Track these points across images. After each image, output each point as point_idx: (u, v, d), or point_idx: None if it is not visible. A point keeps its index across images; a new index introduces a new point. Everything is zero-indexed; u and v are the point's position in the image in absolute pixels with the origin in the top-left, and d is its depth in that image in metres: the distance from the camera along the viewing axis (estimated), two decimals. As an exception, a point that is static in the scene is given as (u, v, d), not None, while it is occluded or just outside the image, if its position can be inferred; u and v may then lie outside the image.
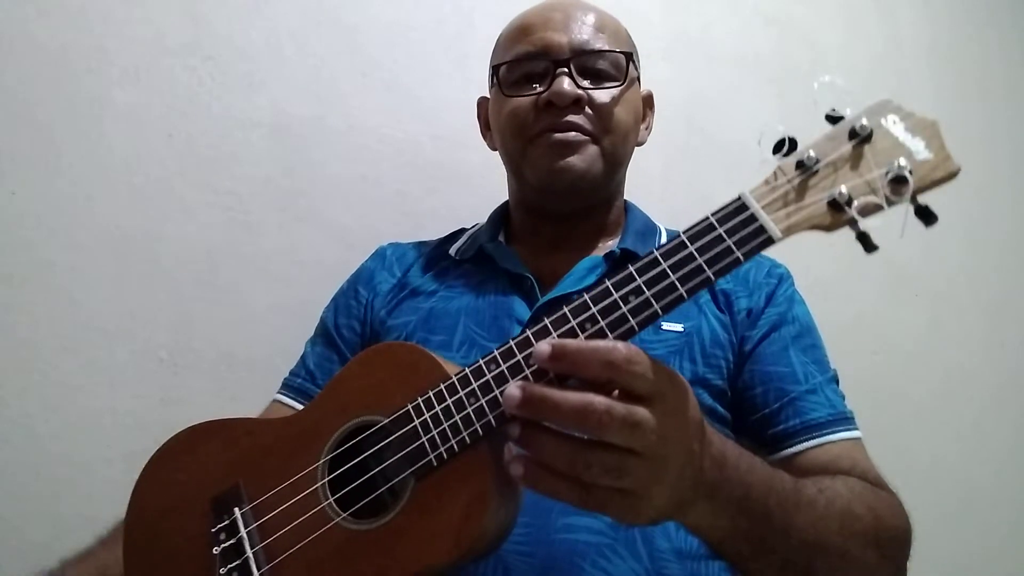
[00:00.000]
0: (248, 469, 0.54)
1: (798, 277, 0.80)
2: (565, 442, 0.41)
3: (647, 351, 0.72)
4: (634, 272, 0.45)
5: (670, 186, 1.20)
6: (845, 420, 0.68)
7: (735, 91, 1.28)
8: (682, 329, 0.71)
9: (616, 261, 0.76)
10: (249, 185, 0.98)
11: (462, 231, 0.90)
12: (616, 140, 0.76)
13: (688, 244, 0.44)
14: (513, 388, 0.41)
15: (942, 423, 1.35)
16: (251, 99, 0.99)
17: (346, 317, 0.82)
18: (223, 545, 0.52)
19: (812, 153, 0.44)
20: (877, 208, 0.43)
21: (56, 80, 0.90)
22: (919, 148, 0.44)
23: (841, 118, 0.45)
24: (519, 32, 0.79)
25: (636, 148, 0.86)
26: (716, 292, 0.75)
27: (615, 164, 0.78)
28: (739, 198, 0.45)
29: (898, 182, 0.43)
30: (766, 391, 0.69)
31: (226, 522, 0.53)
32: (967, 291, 1.42)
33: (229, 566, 0.51)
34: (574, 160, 0.73)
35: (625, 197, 0.87)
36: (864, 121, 0.44)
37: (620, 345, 0.41)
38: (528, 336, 0.46)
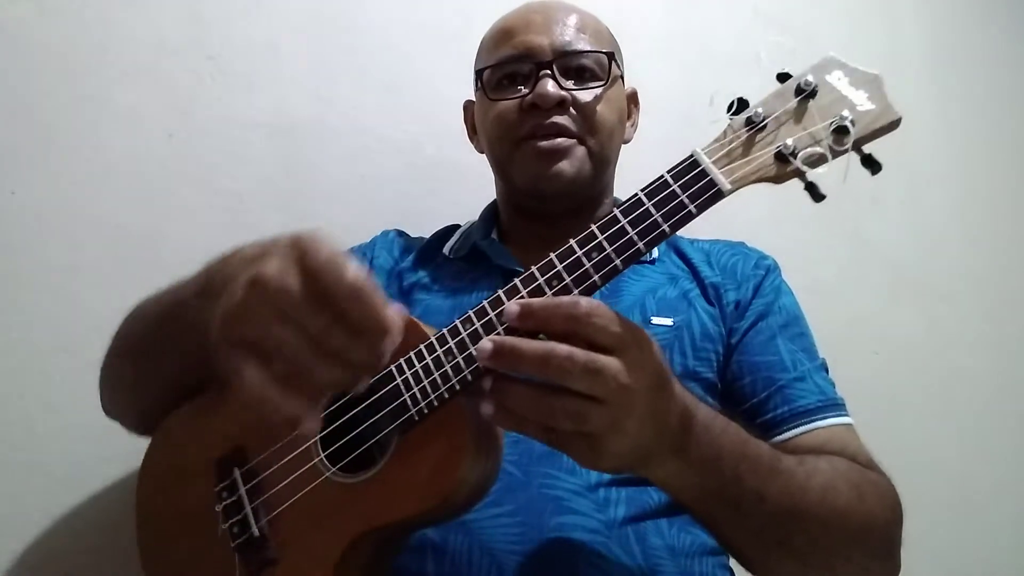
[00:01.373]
0: (250, 431, 0.58)
1: (798, 277, 0.80)
2: (531, 389, 0.44)
3: None
4: (595, 230, 0.48)
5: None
6: (835, 406, 0.68)
7: (734, 91, 1.28)
8: (672, 323, 0.71)
9: None
10: (249, 185, 0.98)
11: (454, 228, 0.90)
12: (602, 139, 0.76)
13: (645, 201, 0.47)
14: (485, 341, 0.44)
15: (942, 423, 1.35)
16: (251, 99, 0.99)
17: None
18: (224, 502, 0.56)
19: (760, 110, 0.47)
20: (822, 158, 0.45)
21: (56, 80, 0.90)
22: (861, 100, 0.46)
23: (791, 76, 0.48)
24: (501, 35, 0.79)
25: (632, 147, 0.86)
26: (706, 285, 0.75)
27: (603, 163, 0.78)
28: (691, 155, 0.47)
29: (840, 132, 0.45)
30: (754, 380, 0.69)
31: (227, 481, 0.57)
32: (967, 291, 1.42)
33: (231, 520, 0.56)
34: (563, 166, 0.74)
35: (619, 194, 0.87)
36: (809, 77, 0.47)
37: (582, 300, 0.44)
38: (499, 295, 0.49)
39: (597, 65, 0.77)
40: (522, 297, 0.48)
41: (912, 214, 1.40)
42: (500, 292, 0.49)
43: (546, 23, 0.77)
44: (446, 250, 0.85)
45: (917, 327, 1.36)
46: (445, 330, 0.50)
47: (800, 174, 0.45)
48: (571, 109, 0.74)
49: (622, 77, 0.83)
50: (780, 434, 0.66)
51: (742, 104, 0.48)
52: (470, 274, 0.79)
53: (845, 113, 0.45)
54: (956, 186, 1.47)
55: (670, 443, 0.48)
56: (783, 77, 0.48)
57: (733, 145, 0.47)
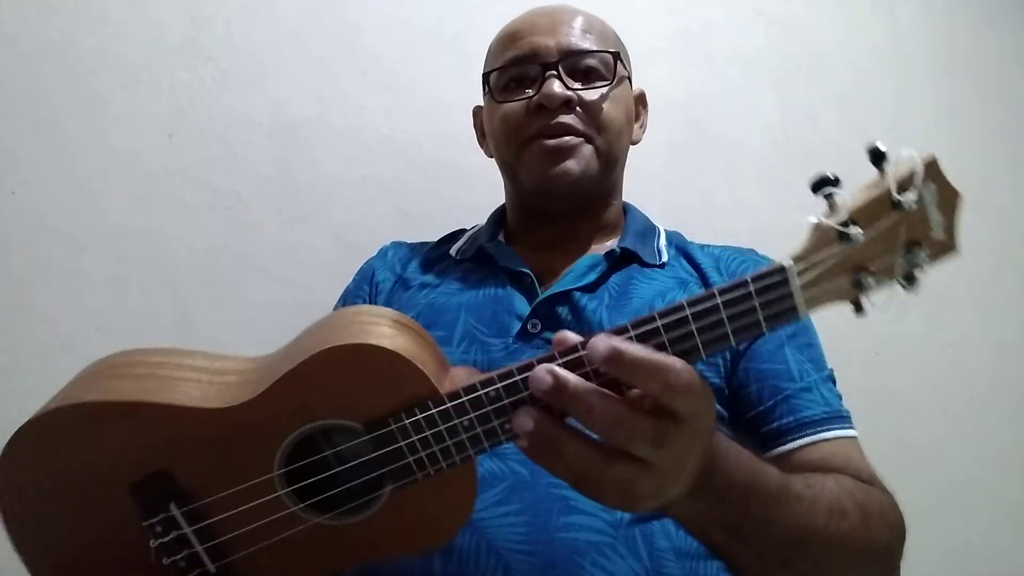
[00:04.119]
0: (179, 458, 0.49)
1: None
2: (585, 447, 0.40)
3: None
4: (656, 316, 0.43)
5: (670, 185, 1.20)
6: (840, 418, 0.68)
7: (736, 90, 1.28)
8: None
9: (616, 260, 0.76)
10: (249, 185, 0.98)
11: (461, 232, 0.90)
12: (610, 138, 0.77)
13: (718, 298, 0.43)
14: (544, 373, 0.40)
15: (942, 423, 1.35)
16: (251, 99, 0.99)
17: None
18: (160, 540, 0.49)
19: (858, 230, 0.41)
20: (886, 285, 0.43)
21: (57, 80, 0.90)
22: (936, 225, 0.43)
23: (883, 156, 0.42)
24: (507, 39, 0.80)
25: (635, 148, 0.86)
26: None
27: (611, 162, 0.78)
28: (783, 269, 0.42)
29: (911, 278, 0.43)
30: (760, 388, 0.69)
31: (160, 516, 0.49)
32: (967, 291, 1.42)
33: (174, 559, 0.49)
34: (570, 165, 0.74)
35: (625, 196, 0.87)
36: (911, 196, 0.42)
37: (682, 367, 0.39)
38: (532, 363, 0.43)
39: (603, 65, 0.77)
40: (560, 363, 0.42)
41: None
42: (535, 360, 0.43)
43: (552, 25, 0.77)
44: (453, 252, 0.85)
45: (917, 327, 1.36)
46: (465, 398, 0.44)
47: (860, 306, 0.43)
48: (578, 109, 0.75)
49: (629, 78, 0.83)
50: (784, 444, 0.66)
51: (832, 184, 0.42)
52: (475, 275, 0.79)
53: (923, 254, 0.42)
54: (957, 186, 1.46)
55: (691, 484, 0.46)
56: (877, 157, 0.42)
57: (824, 268, 0.42)
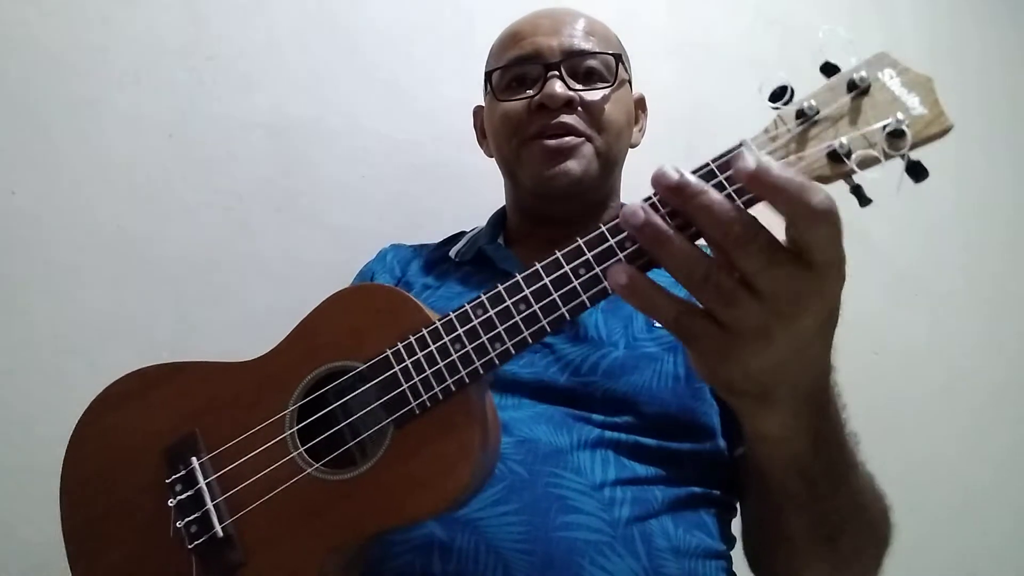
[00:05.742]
0: (206, 418, 0.50)
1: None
2: (688, 246, 0.39)
3: (639, 349, 0.70)
4: (605, 231, 0.44)
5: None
6: None
7: (738, 92, 1.28)
8: None
9: None
10: (249, 185, 0.98)
11: (461, 234, 0.90)
12: (610, 139, 0.77)
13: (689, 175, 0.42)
14: (670, 172, 0.39)
15: (942, 423, 1.35)
16: (251, 99, 0.99)
17: None
18: (179, 497, 0.48)
19: (812, 103, 0.44)
20: (875, 161, 0.43)
21: (56, 80, 0.90)
22: (915, 104, 0.43)
23: (838, 69, 0.45)
24: (510, 39, 0.81)
25: (637, 150, 0.86)
26: None
27: (610, 163, 0.79)
28: (740, 144, 0.44)
29: (896, 136, 0.42)
30: None
31: (182, 472, 0.49)
32: (967, 291, 1.42)
33: (187, 519, 0.48)
34: (570, 165, 0.74)
35: (626, 199, 0.87)
36: (863, 73, 0.44)
37: (823, 193, 0.37)
38: (518, 281, 0.45)
39: (604, 67, 0.78)
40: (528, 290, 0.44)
41: (912, 214, 1.40)
42: (519, 276, 0.45)
43: (554, 26, 0.78)
44: (452, 254, 0.85)
45: (917, 327, 1.36)
46: (453, 314, 0.46)
47: (851, 175, 0.43)
48: (579, 109, 0.75)
49: (630, 82, 0.84)
50: None
51: (791, 94, 0.45)
52: (474, 278, 0.79)
53: (900, 116, 0.42)
54: (956, 186, 1.46)
55: (803, 397, 0.44)
56: (830, 69, 0.45)
57: (785, 139, 0.44)
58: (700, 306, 0.40)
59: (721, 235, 0.38)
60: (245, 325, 0.95)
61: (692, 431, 0.66)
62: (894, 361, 1.32)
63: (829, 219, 0.37)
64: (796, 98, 0.45)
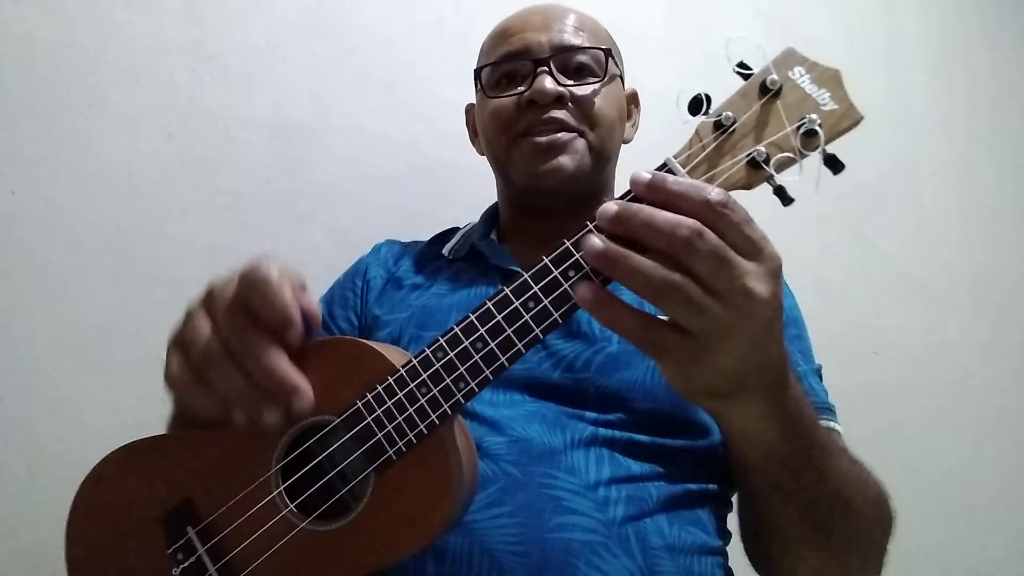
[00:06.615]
0: (198, 484, 0.52)
1: (799, 278, 0.80)
2: (649, 260, 0.40)
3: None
4: (569, 246, 0.46)
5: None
6: (827, 410, 0.69)
7: (734, 90, 1.28)
8: None
9: None
10: (249, 185, 0.98)
11: (454, 230, 0.90)
12: (602, 134, 0.77)
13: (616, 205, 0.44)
14: (609, 206, 0.42)
15: (942, 423, 1.35)
16: (251, 99, 0.99)
17: (342, 308, 0.82)
18: (182, 565, 0.50)
19: (729, 113, 0.46)
20: (791, 162, 0.45)
21: (56, 80, 0.90)
22: (825, 99, 0.46)
23: (750, 69, 0.47)
24: (500, 35, 0.80)
25: (632, 146, 0.86)
26: None
27: (603, 158, 0.78)
28: (665, 164, 0.46)
29: (809, 135, 0.44)
30: None
31: (181, 541, 0.51)
32: (967, 291, 1.42)
33: None
34: (563, 160, 0.74)
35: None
36: (773, 76, 0.46)
37: (718, 189, 0.40)
38: (472, 320, 0.47)
39: (595, 62, 0.77)
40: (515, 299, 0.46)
41: (912, 214, 1.40)
42: (472, 316, 0.47)
43: (544, 22, 0.78)
44: (445, 251, 0.85)
45: (917, 327, 1.36)
46: (415, 360, 0.48)
47: (771, 179, 0.45)
48: (569, 104, 0.75)
49: (621, 77, 0.84)
50: None
51: (708, 101, 0.47)
52: (468, 274, 0.79)
53: (813, 116, 0.44)
54: (957, 186, 1.46)
55: (770, 381, 0.46)
56: (743, 72, 0.47)
57: (705, 152, 0.46)
58: (664, 319, 0.42)
59: (667, 244, 0.40)
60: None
61: (686, 427, 0.66)
62: (894, 361, 1.32)
63: (729, 209, 0.40)
64: (713, 107, 0.47)
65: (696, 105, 0.47)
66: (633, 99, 0.88)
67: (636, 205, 0.41)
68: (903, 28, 1.47)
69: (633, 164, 0.85)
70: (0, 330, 0.84)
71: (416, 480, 0.48)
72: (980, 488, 1.34)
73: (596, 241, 0.42)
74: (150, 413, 0.88)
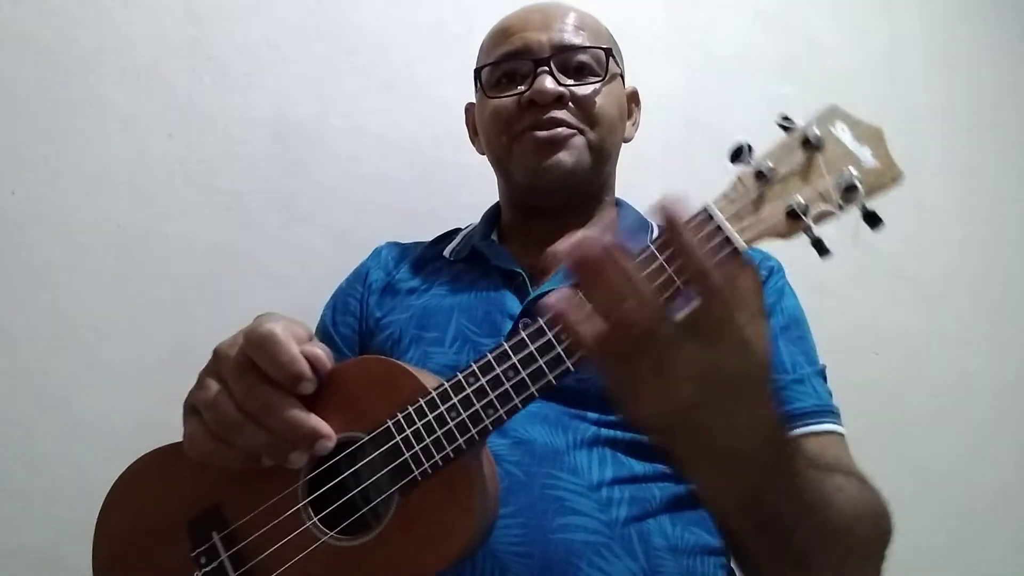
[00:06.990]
0: (225, 490, 0.53)
1: (799, 277, 0.80)
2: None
3: None
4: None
5: (669, 184, 1.20)
6: (831, 413, 0.68)
7: (734, 89, 1.28)
8: None
9: None
10: (249, 185, 0.98)
11: (456, 231, 0.90)
12: (602, 132, 0.77)
13: (658, 255, 0.44)
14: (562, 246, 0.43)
15: (942, 423, 1.35)
16: (251, 99, 0.99)
17: (343, 314, 0.82)
18: (204, 569, 0.51)
19: (770, 163, 0.46)
20: (830, 215, 0.46)
21: (56, 80, 0.90)
22: (866, 156, 0.47)
23: (792, 125, 0.48)
24: (500, 34, 0.80)
25: (632, 145, 0.86)
26: None
27: (603, 156, 0.78)
28: (704, 210, 0.46)
29: (849, 190, 0.45)
30: None
31: (205, 546, 0.52)
32: (967, 291, 1.42)
33: None
34: (562, 156, 0.74)
35: (622, 194, 0.87)
36: (816, 130, 0.46)
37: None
38: (505, 349, 0.47)
39: (595, 61, 0.77)
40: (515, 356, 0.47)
41: (912, 214, 1.40)
42: (506, 345, 0.47)
43: (544, 21, 0.78)
44: (447, 252, 0.85)
45: (917, 327, 1.36)
46: (448, 384, 0.49)
47: (809, 230, 0.45)
48: (570, 104, 0.75)
49: (622, 76, 0.83)
50: None
51: (748, 151, 0.47)
52: (469, 275, 0.79)
53: (854, 171, 0.45)
54: (957, 186, 1.46)
55: (766, 433, 0.46)
56: (786, 125, 0.48)
57: (745, 201, 0.46)
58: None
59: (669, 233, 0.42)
60: (245, 325, 0.95)
61: None
62: (894, 361, 1.32)
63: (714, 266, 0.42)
64: (755, 155, 0.47)
65: (737, 153, 0.47)
66: (634, 98, 0.88)
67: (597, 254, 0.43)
68: (903, 28, 1.47)
69: (633, 163, 0.85)
70: (1, 330, 0.84)
71: (439, 503, 0.48)
72: (980, 488, 1.34)
73: (553, 305, 0.43)
74: (150, 413, 0.88)
